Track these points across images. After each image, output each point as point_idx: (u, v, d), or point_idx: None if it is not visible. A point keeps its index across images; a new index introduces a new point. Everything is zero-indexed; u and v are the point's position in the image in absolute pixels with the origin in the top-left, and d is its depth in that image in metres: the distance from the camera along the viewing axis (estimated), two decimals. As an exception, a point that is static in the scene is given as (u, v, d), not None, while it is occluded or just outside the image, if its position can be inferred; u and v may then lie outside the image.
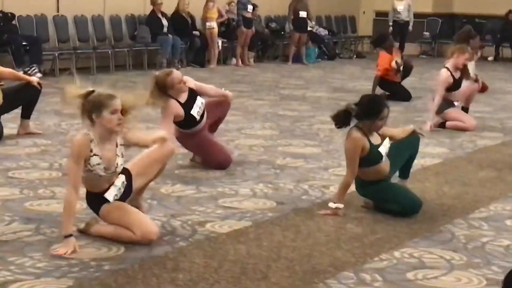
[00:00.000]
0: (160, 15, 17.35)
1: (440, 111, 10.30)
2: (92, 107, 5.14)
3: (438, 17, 24.65)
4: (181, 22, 17.85)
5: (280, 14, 21.60)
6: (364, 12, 25.65)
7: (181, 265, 4.86)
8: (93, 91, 5.19)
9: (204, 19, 18.46)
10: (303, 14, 19.96)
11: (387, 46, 13.72)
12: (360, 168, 6.07)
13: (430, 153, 8.79)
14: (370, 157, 6.06)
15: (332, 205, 6.08)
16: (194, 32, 18.17)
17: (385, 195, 6.17)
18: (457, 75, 10.30)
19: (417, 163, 8.03)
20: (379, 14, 24.78)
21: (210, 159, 7.55)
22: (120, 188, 5.33)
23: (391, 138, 6.33)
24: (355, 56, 23.05)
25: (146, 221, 5.26)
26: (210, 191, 6.76)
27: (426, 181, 7.37)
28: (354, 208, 6.32)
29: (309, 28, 20.41)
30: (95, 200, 5.32)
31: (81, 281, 4.54)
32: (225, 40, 18.99)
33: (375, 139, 6.15)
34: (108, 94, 5.20)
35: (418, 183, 7.24)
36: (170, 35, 17.22)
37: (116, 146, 5.27)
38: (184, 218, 5.89)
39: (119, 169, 5.31)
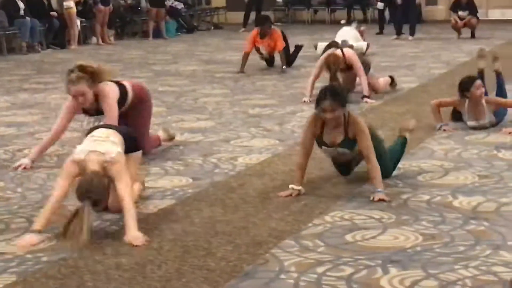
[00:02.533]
0: (15, -2, 16.80)
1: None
2: None
3: (289, -17, 24.97)
4: (37, 4, 17.40)
5: (135, -11, 21.35)
6: (216, -17, 25.69)
7: (121, 249, 4.76)
8: None
9: (61, -1, 18.01)
10: None
11: (265, 28, 13.16)
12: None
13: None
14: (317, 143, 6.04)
15: None
16: (51, 13, 17.70)
17: None
18: None
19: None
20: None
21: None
22: None
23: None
24: (212, 27, 23.07)
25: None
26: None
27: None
28: (270, 178, 6.36)
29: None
30: None
31: (24, 276, 4.38)
32: (83, 19, 18.60)
33: (331, 136, 5.97)
34: None
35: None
36: (27, 18, 16.74)
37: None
38: (106, 202, 5.74)
39: None
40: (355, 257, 4.53)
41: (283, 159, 7.00)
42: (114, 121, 6.54)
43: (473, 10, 18.48)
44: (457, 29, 18.32)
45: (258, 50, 13.16)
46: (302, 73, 12.90)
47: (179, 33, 21.04)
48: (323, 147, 6.06)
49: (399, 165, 6.54)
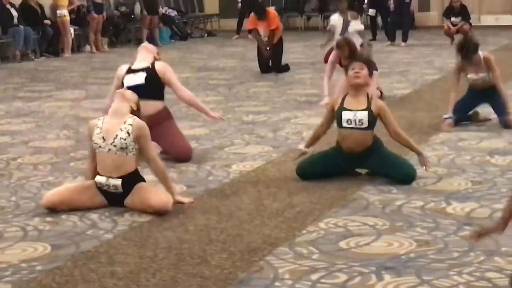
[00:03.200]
0: (9, 6, 16.80)
1: None
2: None
3: (282, -10, 25.00)
4: (30, 12, 17.40)
5: (128, -3, 21.36)
6: (209, -10, 25.72)
7: (115, 258, 4.76)
8: None
9: (54, 7, 18.00)
10: None
11: (260, 12, 13.55)
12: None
13: (315, 124, 8.92)
14: (336, 117, 6.36)
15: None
16: (45, 21, 17.70)
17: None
18: None
19: (307, 135, 8.19)
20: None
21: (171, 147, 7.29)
22: (107, 185, 5.67)
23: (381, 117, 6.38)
24: (206, 34, 23.09)
25: None
26: (114, 180, 6.62)
27: (322, 152, 7.48)
28: (264, 185, 6.37)
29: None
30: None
31: (19, 285, 4.38)
32: (77, 27, 18.60)
33: (353, 103, 6.28)
34: None
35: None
36: (21, 26, 16.73)
37: (124, 122, 5.61)
38: (100, 210, 5.76)
39: (118, 143, 5.58)
40: (349, 264, 4.54)
41: (277, 166, 7.01)
42: None
43: (466, 16, 18.54)
44: (450, 35, 18.37)
45: (257, 32, 13.49)
46: (296, 79, 12.94)
47: (172, 41, 21.07)
48: (344, 112, 6.27)
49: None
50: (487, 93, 8.45)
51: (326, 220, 5.42)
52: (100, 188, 5.71)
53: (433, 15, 24.40)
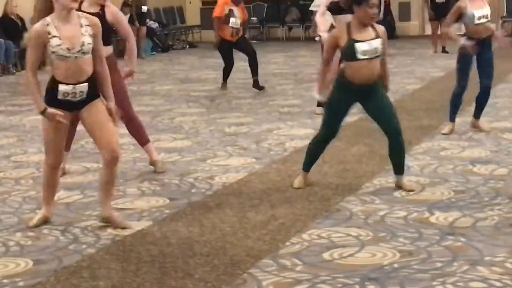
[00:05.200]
0: (-11, 20, 16.72)
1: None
2: None
3: (262, 1, 25.01)
4: (11, 25, 17.28)
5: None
6: (190, 2, 25.70)
7: (98, 272, 4.74)
8: None
9: (35, 20, 17.88)
10: (144, 8, 20.10)
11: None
12: (341, 64, 6.41)
13: (297, 134, 8.96)
14: (346, 49, 6.18)
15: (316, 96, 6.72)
16: (26, 34, 17.60)
17: (327, 106, 6.52)
18: None
19: (290, 145, 8.22)
20: (205, 3, 24.88)
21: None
22: (73, 93, 5.30)
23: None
24: (187, 46, 23.08)
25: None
26: (96, 194, 6.58)
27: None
28: (247, 197, 6.36)
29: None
30: (50, 91, 5.37)
31: (1, 301, 4.34)
32: (58, 40, 18.51)
33: (364, 35, 6.19)
34: None
35: (297, 166, 7.34)
36: (1, 40, 16.63)
37: (81, 26, 5.27)
38: (82, 224, 5.74)
39: (86, 48, 5.29)
40: (333, 276, 4.54)
41: (260, 177, 7.00)
42: None
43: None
44: (437, 40, 17.97)
45: (229, 16, 12.71)
46: (278, 90, 12.95)
47: (154, 53, 21.02)
48: (358, 44, 6.15)
49: (375, 181, 6.60)
50: (483, 44, 8.41)
51: (310, 231, 5.41)
52: (59, 100, 5.32)
53: (414, 25, 24.48)
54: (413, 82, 13.56)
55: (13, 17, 17.38)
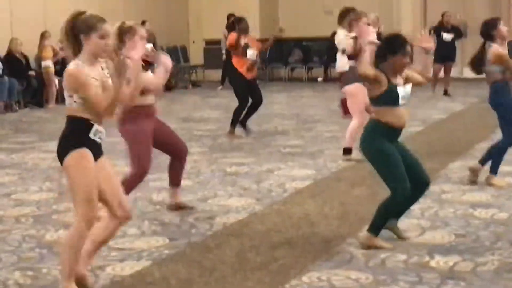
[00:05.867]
0: (-7, 57, 16.83)
1: None
2: (81, 28, 4.91)
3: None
4: (15, 63, 17.39)
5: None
6: (194, 42, 25.84)
7: (97, 313, 4.72)
8: (84, 12, 5.00)
9: (39, 59, 18.01)
10: (149, 46, 20.08)
11: (242, 27, 12.43)
12: (378, 107, 6.03)
13: (298, 175, 8.96)
14: (387, 94, 5.98)
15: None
16: (29, 72, 17.73)
17: (383, 159, 6.02)
18: None
19: (290, 186, 8.22)
20: (209, 42, 25.06)
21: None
22: (101, 133, 4.98)
23: (409, 79, 6.21)
24: (191, 85, 23.18)
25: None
26: (97, 233, 6.58)
27: (305, 204, 7.49)
28: (247, 237, 6.35)
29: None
30: (76, 130, 4.91)
31: None
32: (61, 78, 18.58)
33: (398, 80, 6.10)
34: (99, 17, 4.99)
35: (298, 207, 7.37)
36: (5, 77, 16.73)
37: (102, 69, 5.00)
38: (82, 264, 5.70)
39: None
40: (332, 319, 4.52)
41: (260, 218, 6.99)
42: None
43: (458, 33, 18.25)
44: (436, 77, 17.80)
45: (246, 48, 12.25)
46: (279, 130, 12.97)
47: (157, 91, 21.10)
48: (399, 89, 6.02)
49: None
50: None
51: (310, 274, 5.40)
52: (90, 143, 4.95)
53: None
54: (415, 124, 13.55)
55: (17, 55, 17.48)
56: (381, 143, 6.00)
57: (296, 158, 10.13)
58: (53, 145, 11.88)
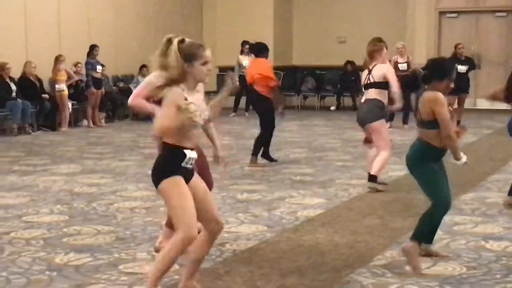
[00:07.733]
0: (8, 80, 16.91)
1: None
2: (184, 57, 5.04)
3: (279, 70, 25.22)
4: (29, 86, 17.47)
5: (127, 73, 21.52)
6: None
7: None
8: (183, 40, 5.10)
9: (53, 82, 18.10)
10: None
11: (267, 55, 12.64)
12: (426, 130, 6.24)
13: (309, 204, 8.94)
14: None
15: (461, 162, 6.37)
16: (43, 95, 17.80)
17: (428, 177, 6.27)
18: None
19: (301, 215, 8.20)
20: (222, 69, 25.12)
21: None
22: (193, 159, 5.17)
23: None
24: (203, 111, 23.23)
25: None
26: (107, 257, 6.60)
27: (316, 233, 7.47)
28: (257, 265, 6.33)
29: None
30: (170, 158, 5.09)
31: None
32: (74, 101, 18.69)
33: None
34: (199, 44, 5.14)
35: (309, 235, 7.35)
36: (19, 100, 16.82)
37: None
38: (92, 287, 5.70)
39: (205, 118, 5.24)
40: None
41: (271, 246, 6.97)
42: None
43: (472, 65, 18.44)
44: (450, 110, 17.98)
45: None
46: (291, 159, 12.96)
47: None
48: None
49: (387, 254, 6.55)
50: None
51: (319, 303, 5.37)
52: (183, 168, 5.12)
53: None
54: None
55: (31, 78, 17.57)
56: (428, 162, 6.25)
57: (308, 187, 10.12)
58: (65, 168, 11.95)
